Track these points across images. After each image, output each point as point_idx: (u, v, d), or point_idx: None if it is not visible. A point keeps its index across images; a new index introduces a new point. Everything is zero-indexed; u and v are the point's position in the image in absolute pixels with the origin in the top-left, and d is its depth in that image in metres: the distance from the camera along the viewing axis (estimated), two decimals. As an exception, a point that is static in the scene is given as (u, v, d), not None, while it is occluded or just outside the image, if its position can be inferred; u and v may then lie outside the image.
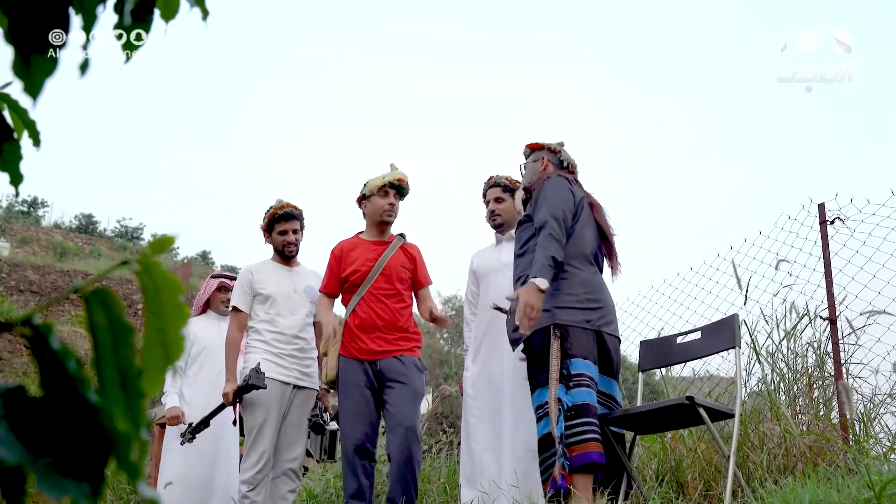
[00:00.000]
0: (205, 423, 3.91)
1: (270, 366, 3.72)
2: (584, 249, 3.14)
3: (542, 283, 2.88)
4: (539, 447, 2.92)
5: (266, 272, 3.91)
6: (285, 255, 3.96)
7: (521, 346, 3.12)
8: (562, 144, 3.50)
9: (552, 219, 3.02)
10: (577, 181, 3.35)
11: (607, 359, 3.08)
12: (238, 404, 3.73)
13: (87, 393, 0.49)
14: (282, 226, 3.91)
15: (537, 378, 2.99)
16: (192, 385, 4.34)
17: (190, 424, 3.95)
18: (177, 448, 4.20)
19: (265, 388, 3.61)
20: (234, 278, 4.37)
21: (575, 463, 2.79)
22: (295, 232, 3.94)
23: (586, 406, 2.86)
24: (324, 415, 3.82)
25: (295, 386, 3.80)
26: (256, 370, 3.62)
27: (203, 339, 4.46)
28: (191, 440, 3.90)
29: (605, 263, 3.32)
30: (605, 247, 3.29)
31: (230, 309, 3.97)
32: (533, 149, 3.52)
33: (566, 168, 3.43)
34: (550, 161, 3.43)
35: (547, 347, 2.96)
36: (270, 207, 3.93)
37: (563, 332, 2.96)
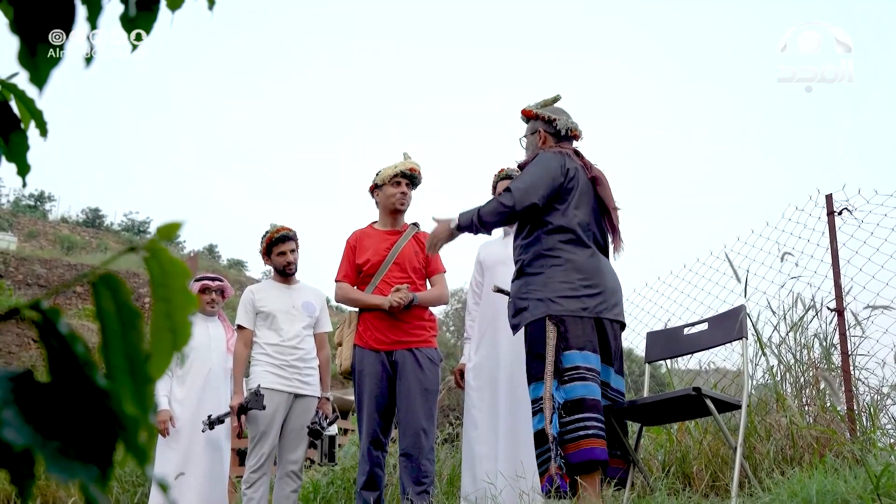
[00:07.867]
0: (220, 420, 4.17)
1: (272, 377, 3.98)
2: (577, 231, 2.99)
3: (454, 222, 3.07)
4: (535, 442, 2.87)
5: (266, 291, 4.19)
6: (286, 273, 4.20)
7: (521, 329, 3.03)
8: (558, 98, 3.30)
9: (517, 189, 2.96)
10: (575, 152, 3.17)
11: (606, 346, 2.96)
12: (243, 416, 3.99)
13: (96, 377, 0.50)
14: (279, 247, 4.15)
15: (533, 371, 2.93)
16: (182, 385, 4.47)
17: (209, 416, 4.16)
18: (168, 448, 4.35)
19: (263, 409, 3.89)
20: (215, 279, 4.68)
21: (571, 461, 2.72)
22: (293, 251, 4.20)
23: (581, 401, 2.77)
24: (322, 421, 4.05)
25: (295, 395, 4.03)
26: (256, 393, 3.91)
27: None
28: (211, 427, 4.15)
29: (610, 241, 3.16)
30: (607, 222, 3.13)
31: (235, 327, 4.23)
32: (528, 117, 3.31)
33: (566, 136, 3.22)
34: (547, 132, 3.22)
35: (542, 339, 2.88)
36: (266, 232, 4.20)
37: (558, 322, 2.86)
